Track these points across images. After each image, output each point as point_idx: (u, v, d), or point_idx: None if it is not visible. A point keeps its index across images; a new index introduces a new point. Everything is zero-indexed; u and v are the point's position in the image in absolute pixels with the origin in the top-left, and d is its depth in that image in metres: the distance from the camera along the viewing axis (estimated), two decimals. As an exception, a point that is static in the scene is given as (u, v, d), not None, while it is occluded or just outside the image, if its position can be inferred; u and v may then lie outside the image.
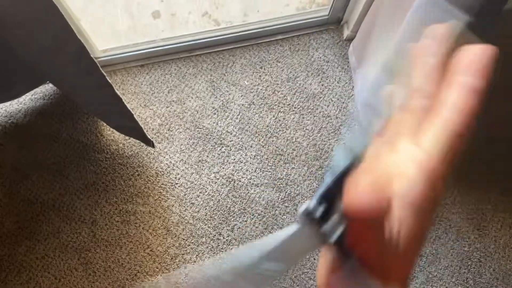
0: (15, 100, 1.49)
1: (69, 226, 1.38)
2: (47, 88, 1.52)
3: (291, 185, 1.45)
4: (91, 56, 0.96)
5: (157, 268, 1.35)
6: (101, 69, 1.01)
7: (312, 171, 1.47)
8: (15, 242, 1.35)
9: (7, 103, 1.49)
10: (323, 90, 1.56)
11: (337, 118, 1.53)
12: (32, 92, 1.50)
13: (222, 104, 1.53)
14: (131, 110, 1.16)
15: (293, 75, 1.57)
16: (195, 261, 1.36)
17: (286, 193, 1.44)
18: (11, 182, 1.42)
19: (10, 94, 1.40)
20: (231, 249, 1.37)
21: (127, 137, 1.47)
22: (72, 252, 1.35)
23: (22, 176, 1.42)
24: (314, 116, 1.54)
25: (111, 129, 1.48)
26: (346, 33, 1.61)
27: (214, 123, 1.51)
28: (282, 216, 1.41)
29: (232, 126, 1.51)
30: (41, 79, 1.42)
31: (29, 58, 1.12)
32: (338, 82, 1.57)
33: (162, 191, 1.43)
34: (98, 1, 1.72)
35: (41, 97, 1.51)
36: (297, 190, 1.45)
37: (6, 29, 0.94)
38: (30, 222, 1.38)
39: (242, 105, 1.54)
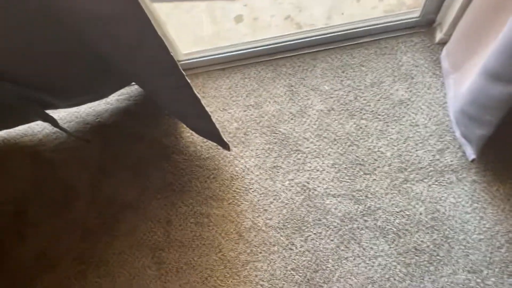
0: (103, 100, 1.57)
1: (145, 225, 1.41)
2: (132, 89, 1.58)
3: (371, 198, 1.36)
4: (172, 55, 0.96)
5: (227, 273, 1.33)
6: (181, 69, 1.01)
7: (395, 184, 1.36)
8: (95, 237, 1.41)
9: (96, 103, 1.57)
10: (411, 97, 1.45)
11: (426, 127, 1.41)
12: (118, 92, 1.57)
13: (300, 109, 1.48)
14: (209, 112, 1.16)
15: (378, 80, 1.47)
16: (266, 270, 1.32)
17: (366, 206, 1.35)
18: (96, 179, 1.48)
19: (98, 94, 1.47)
20: (304, 260, 1.31)
21: (204, 140, 1.48)
22: (146, 250, 1.38)
23: (106, 174, 1.48)
24: (400, 125, 1.42)
25: (190, 131, 1.50)
26: (439, 36, 1.48)
27: (291, 128, 1.47)
28: (361, 231, 1.32)
29: (309, 132, 1.46)
30: (127, 80, 1.47)
31: (115, 59, 1.16)
32: (428, 89, 1.44)
33: (236, 195, 1.41)
34: (185, 6, 1.77)
35: (127, 98, 1.57)
36: (378, 204, 1.34)
37: (93, 30, 0.98)
38: (110, 219, 1.43)
39: (321, 110, 1.48)
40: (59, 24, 1.03)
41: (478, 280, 1.25)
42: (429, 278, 1.25)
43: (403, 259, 1.27)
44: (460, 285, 1.25)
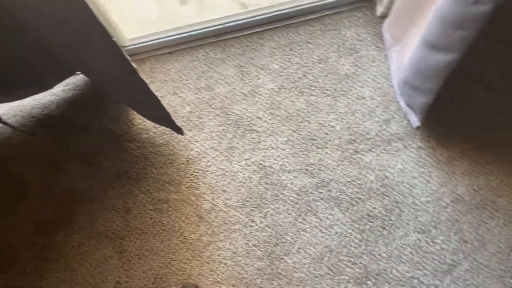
0: (48, 92, 1.52)
1: (103, 215, 1.39)
2: (78, 79, 1.53)
3: (324, 170, 1.40)
4: (115, 41, 0.94)
5: (190, 255, 1.34)
6: (126, 54, 0.99)
7: (346, 155, 1.42)
8: (53, 232, 1.38)
9: (40, 95, 1.52)
10: (356, 71, 1.49)
11: (372, 99, 1.47)
12: (63, 83, 1.52)
13: (252, 89, 1.50)
14: (159, 97, 1.15)
15: (325, 56, 1.51)
16: (228, 249, 1.34)
17: (320, 179, 1.40)
18: (48, 173, 1.44)
19: (43, 85, 1.42)
20: (264, 236, 1.34)
21: (157, 126, 1.47)
22: (106, 241, 1.36)
23: (57, 167, 1.44)
24: (348, 98, 1.47)
25: (142, 118, 1.48)
26: (380, 9, 1.53)
27: (243, 109, 1.48)
28: (316, 202, 1.37)
29: (262, 112, 1.48)
30: (71, 70, 1.43)
31: (58, 49, 1.12)
32: (372, 62, 1.50)
33: (193, 178, 1.42)
34: (126, -10, 1.72)
35: (73, 88, 1.53)
36: (331, 176, 1.40)
37: (34, 22, 0.94)
38: (67, 212, 1.40)
39: (272, 89, 1.50)
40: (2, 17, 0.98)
41: (428, 240, 1.33)
42: (383, 242, 1.32)
43: (357, 226, 1.34)
44: (412, 245, 1.33)
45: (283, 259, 1.32)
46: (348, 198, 1.37)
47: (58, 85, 1.52)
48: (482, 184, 1.38)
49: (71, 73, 1.46)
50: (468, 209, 1.36)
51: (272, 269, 1.32)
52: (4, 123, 1.36)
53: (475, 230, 1.34)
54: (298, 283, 1.30)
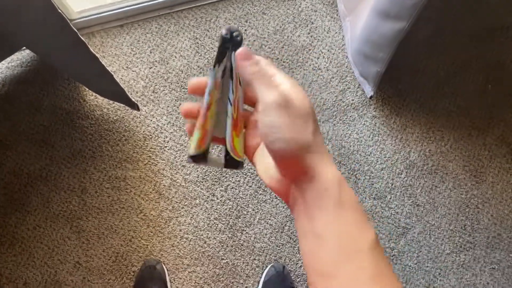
0: (-9, 69, 1.43)
1: (59, 196, 1.35)
2: (23, 55, 1.45)
3: (283, 141, 1.41)
4: (60, 12, 0.89)
5: (151, 232, 1.33)
6: (73, 27, 0.94)
7: (304, 126, 1.43)
8: (4, 215, 1.33)
9: (-17, 73, 1.43)
10: (312, 42, 1.50)
11: (328, 70, 1.48)
12: (8, 59, 1.44)
13: (208, 62, 1.47)
14: (112, 72, 1.11)
15: (280, 27, 1.50)
16: (189, 223, 1.34)
17: (279, 150, 1.41)
18: (-5, 154, 1.38)
19: (-16, 62, 1.34)
20: (225, 209, 1.35)
21: (111, 102, 1.42)
22: (63, 221, 1.33)
23: (5, 148, 1.38)
24: (304, 70, 1.48)
25: (94, 94, 1.43)
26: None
27: (200, 82, 1.46)
28: (276, 173, 1.38)
29: (219, 85, 1.46)
30: (16, 45, 1.34)
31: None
32: (327, 33, 1.50)
33: (151, 155, 1.39)
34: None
35: (19, 64, 1.45)
36: (289, 147, 1.41)
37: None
38: (18, 193, 1.35)
39: (229, 62, 1.48)
40: None
41: (383, 205, 1.38)
42: (340, 209, 1.36)
43: (316, 195, 1.37)
44: (368, 211, 1.38)
45: (244, 230, 1.34)
46: (306, 168, 1.39)
47: (2, 62, 1.43)
48: (434, 150, 1.44)
49: (16, 49, 1.38)
50: (421, 174, 1.42)
51: (234, 241, 1.33)
52: None
53: (427, 194, 1.40)
54: (260, 253, 1.32)
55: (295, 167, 0.33)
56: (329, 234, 0.32)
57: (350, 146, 1.42)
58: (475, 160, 1.43)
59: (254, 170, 1.38)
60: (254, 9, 1.50)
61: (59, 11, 0.90)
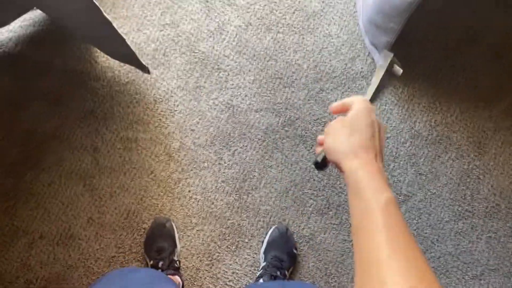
0: (5, 28, 1.44)
1: (72, 154, 1.39)
2: (36, 15, 1.46)
3: (290, 109, 1.44)
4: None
5: (161, 192, 1.38)
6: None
7: (312, 94, 1.45)
8: (20, 172, 1.38)
9: (-4, 32, 1.44)
10: (323, 8, 1.49)
11: (338, 37, 1.48)
12: (21, 19, 1.45)
13: (218, 26, 1.47)
14: (123, 34, 1.12)
15: (292, -8, 1.49)
16: (198, 185, 1.39)
17: (286, 118, 1.43)
18: (10, 113, 1.41)
19: (-3, 21, 1.35)
20: (232, 172, 1.39)
21: (122, 64, 1.44)
22: (77, 179, 1.38)
23: (19, 107, 1.41)
24: (315, 36, 1.48)
25: (105, 56, 1.44)
26: None
27: (210, 46, 1.47)
28: (282, 140, 1.42)
29: (229, 50, 1.47)
30: (28, 4, 1.35)
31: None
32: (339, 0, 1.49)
33: (161, 118, 1.43)
34: None
35: (31, 23, 1.46)
36: (296, 114, 1.43)
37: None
38: (33, 151, 1.39)
39: (239, 26, 1.48)
40: None
41: (386, 173, 1.42)
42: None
43: (321, 161, 1.40)
44: (371, 178, 1.42)
45: (250, 193, 1.39)
46: (313, 136, 1.42)
47: (15, 21, 1.45)
48: (439, 120, 1.45)
49: (28, 8, 1.38)
50: (425, 144, 1.44)
51: (240, 203, 1.38)
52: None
53: (430, 163, 1.43)
54: (265, 215, 1.38)
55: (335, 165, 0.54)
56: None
57: (357, 114, 1.44)
58: (480, 131, 1.45)
59: (261, 136, 1.42)
60: (266, -27, 1.49)
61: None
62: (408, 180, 1.43)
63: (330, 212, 1.38)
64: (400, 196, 1.42)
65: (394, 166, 1.43)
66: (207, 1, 1.47)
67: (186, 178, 1.40)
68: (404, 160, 1.43)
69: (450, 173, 1.43)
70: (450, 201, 1.43)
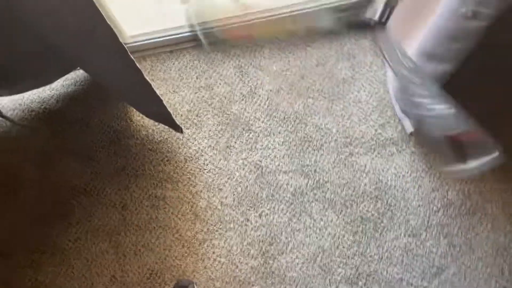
0: (47, 86, 1.53)
1: (100, 210, 1.40)
2: (77, 74, 1.54)
3: (319, 172, 1.43)
4: (120, 41, 0.96)
5: (185, 252, 1.36)
6: (130, 54, 1.01)
7: (341, 158, 1.44)
8: (48, 225, 1.39)
9: (40, 89, 1.52)
10: (353, 75, 1.52)
11: (368, 103, 1.50)
12: (63, 78, 1.53)
13: (250, 90, 1.52)
14: (160, 96, 1.16)
15: (323, 60, 1.54)
16: (223, 247, 1.36)
17: (315, 180, 1.42)
18: (45, 167, 1.45)
19: (42, 80, 1.43)
20: (259, 235, 1.37)
21: (156, 123, 1.49)
22: (103, 235, 1.38)
23: (54, 161, 1.45)
24: (344, 102, 1.50)
25: (140, 115, 1.49)
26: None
27: (242, 109, 1.50)
28: (311, 203, 1.40)
29: (260, 112, 1.50)
30: (72, 65, 1.44)
31: (59, 44, 1.13)
32: (369, 67, 1.53)
33: (190, 176, 1.44)
34: (128, -13, 1.72)
35: (72, 83, 1.54)
36: (326, 178, 1.42)
37: (36, 16, 0.95)
38: (62, 206, 1.41)
39: (270, 90, 1.52)
40: (4, 11, 0.99)
41: (418, 243, 1.37)
42: (375, 244, 1.35)
43: (350, 227, 1.37)
44: (402, 248, 1.37)
45: (276, 258, 1.35)
46: (342, 200, 1.40)
47: (58, 80, 1.53)
48: (473, 190, 1.42)
49: (72, 68, 1.47)
50: (458, 214, 1.40)
51: (265, 268, 1.34)
52: (3, 116, 1.36)
53: (464, 234, 1.38)
54: (291, 283, 1.33)
55: None
56: None
57: (388, 180, 1.42)
58: (516, 203, 1.40)
59: (289, 198, 1.40)
60: (299, 41, 1.55)
61: (120, 39, 0.96)
62: (440, 252, 1.37)
63: (360, 282, 1.32)
64: (432, 268, 1.35)
65: (426, 236, 1.38)
66: (241, 67, 1.53)
67: (211, 239, 1.38)
68: (437, 230, 1.39)
69: (486, 245, 1.37)
70: (487, 275, 1.35)
